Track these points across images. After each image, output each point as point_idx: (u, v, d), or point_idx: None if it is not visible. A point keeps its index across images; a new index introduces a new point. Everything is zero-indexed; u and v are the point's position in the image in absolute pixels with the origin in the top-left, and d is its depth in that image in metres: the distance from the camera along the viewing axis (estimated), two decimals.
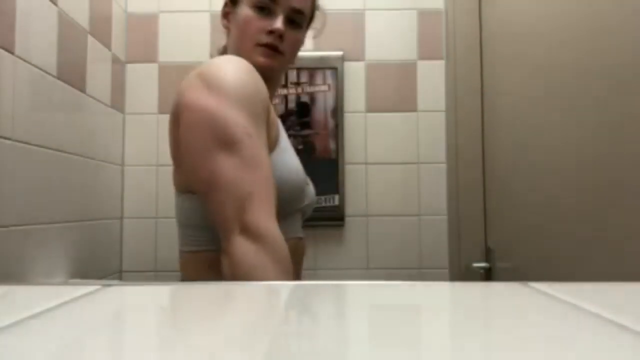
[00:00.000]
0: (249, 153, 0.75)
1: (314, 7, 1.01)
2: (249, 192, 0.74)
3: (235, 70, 0.81)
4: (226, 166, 0.75)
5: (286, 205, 0.85)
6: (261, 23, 0.91)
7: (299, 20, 0.96)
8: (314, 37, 1.14)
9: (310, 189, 1.00)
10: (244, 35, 0.93)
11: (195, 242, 0.89)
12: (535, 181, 1.05)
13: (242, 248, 0.72)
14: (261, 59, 0.91)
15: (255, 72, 0.83)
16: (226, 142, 0.75)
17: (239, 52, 0.92)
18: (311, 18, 1.02)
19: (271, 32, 0.91)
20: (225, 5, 0.99)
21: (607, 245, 0.78)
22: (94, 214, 1.27)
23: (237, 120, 0.76)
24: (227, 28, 0.99)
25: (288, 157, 0.89)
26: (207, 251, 0.85)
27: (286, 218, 0.85)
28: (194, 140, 0.79)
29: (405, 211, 1.47)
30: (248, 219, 0.72)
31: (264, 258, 0.72)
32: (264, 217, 0.73)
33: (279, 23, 0.91)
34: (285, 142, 0.91)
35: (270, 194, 0.76)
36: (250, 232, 0.72)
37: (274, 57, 0.92)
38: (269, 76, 0.90)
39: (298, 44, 0.99)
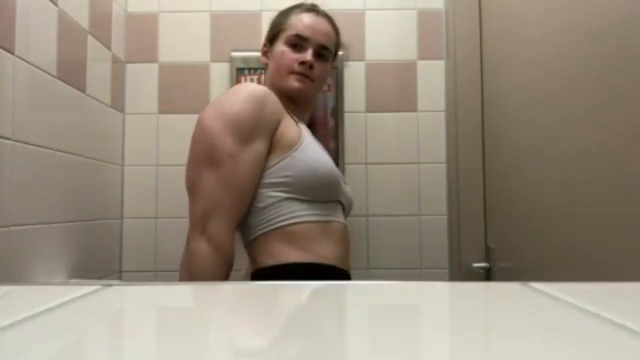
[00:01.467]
0: (226, 171, 0.96)
1: (337, 44, 1.23)
2: (218, 204, 0.96)
3: (239, 97, 1.01)
4: (205, 179, 0.97)
5: (321, 192, 1.04)
6: (294, 56, 1.12)
7: (325, 54, 1.16)
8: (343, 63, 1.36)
9: (348, 189, 1.18)
10: (280, 66, 1.13)
11: (259, 226, 1.02)
12: (536, 181, 1.05)
13: (199, 246, 0.95)
14: (295, 84, 1.11)
15: (264, 98, 1.02)
16: (211, 159, 0.97)
17: (275, 80, 1.14)
18: (335, 53, 1.23)
19: (303, 62, 1.11)
20: (264, 45, 1.21)
21: (607, 245, 0.78)
22: (94, 214, 1.27)
23: (224, 141, 0.97)
24: (266, 64, 1.21)
25: (311, 153, 1.05)
26: (271, 230, 1.01)
27: (328, 204, 1.06)
28: (191, 150, 1.02)
29: (405, 211, 1.47)
30: (210, 226, 0.95)
31: (212, 260, 0.94)
32: (223, 228, 0.95)
33: (309, 55, 1.12)
34: (308, 142, 1.07)
35: (235, 208, 0.97)
36: (208, 237, 0.95)
37: (306, 82, 1.12)
38: (302, 99, 1.14)
39: (325, 73, 1.19)
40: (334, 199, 1.08)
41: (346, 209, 1.16)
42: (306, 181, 1.01)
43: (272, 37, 1.18)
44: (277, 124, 1.03)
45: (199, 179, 0.97)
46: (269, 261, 1.00)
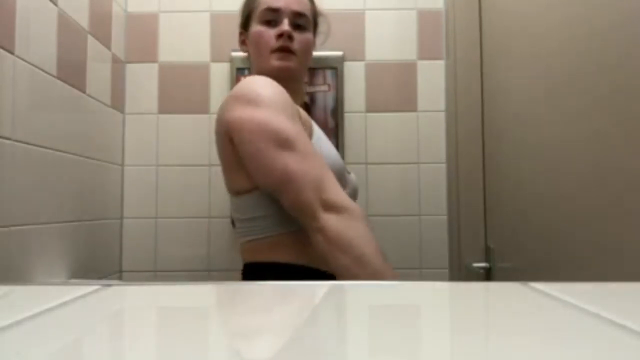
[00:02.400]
0: (303, 147, 0.91)
1: (315, 11, 1.15)
2: (318, 176, 0.89)
3: (265, 86, 0.96)
4: (292, 161, 0.89)
5: None
6: (270, 32, 1.05)
7: (303, 22, 1.09)
8: (322, 43, 1.21)
9: (352, 177, 1.15)
10: (259, 47, 1.07)
11: (251, 232, 1.01)
12: (536, 181, 1.05)
13: (332, 221, 0.87)
14: (277, 63, 1.05)
15: (279, 85, 0.97)
16: (284, 143, 0.90)
17: (259, 65, 1.08)
18: (315, 22, 1.15)
19: (280, 35, 1.04)
20: (240, 34, 1.14)
21: (607, 245, 0.78)
22: (94, 214, 1.27)
23: (285, 124, 0.91)
24: (247, 51, 1.14)
25: (323, 145, 1.02)
26: (269, 237, 0.99)
27: None
28: (257, 148, 0.92)
29: (405, 211, 1.47)
30: (327, 197, 0.88)
31: (352, 222, 0.87)
32: (338, 191, 0.90)
33: (285, 26, 1.05)
34: (319, 134, 1.04)
35: (332, 173, 0.92)
36: (333, 207, 0.88)
37: (289, 58, 1.05)
38: (289, 77, 1.06)
39: (308, 43, 1.11)
40: None
41: (352, 196, 1.11)
42: None
43: (245, 22, 1.12)
44: (298, 111, 1.00)
45: (285, 166, 0.89)
46: (257, 259, 1.00)
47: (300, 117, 0.99)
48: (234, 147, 0.97)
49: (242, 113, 0.94)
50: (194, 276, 1.44)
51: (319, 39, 1.20)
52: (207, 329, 0.32)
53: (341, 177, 1.05)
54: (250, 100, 0.94)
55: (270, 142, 0.90)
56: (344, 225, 0.87)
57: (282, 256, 0.99)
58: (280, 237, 0.99)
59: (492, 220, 1.36)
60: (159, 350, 0.27)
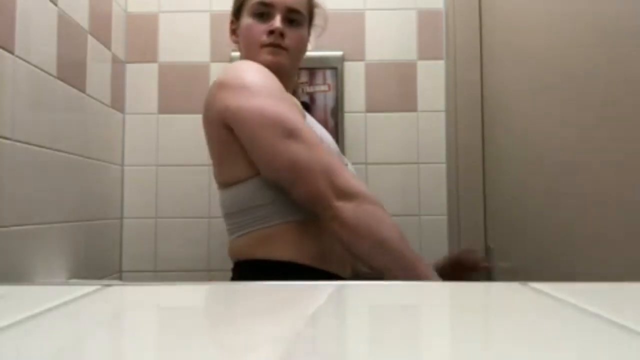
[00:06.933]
0: (307, 136, 0.89)
1: (311, 6, 1.10)
2: (327, 164, 0.88)
3: (256, 72, 0.95)
4: (299, 151, 0.88)
5: None
6: (261, 27, 1.02)
7: (298, 18, 1.04)
8: (319, 36, 1.18)
9: (352, 169, 1.11)
10: (249, 41, 1.04)
11: (245, 225, 0.97)
12: (536, 181, 1.05)
13: (346, 207, 0.86)
14: (268, 57, 1.01)
15: (267, 69, 0.96)
16: (290, 132, 0.89)
17: (249, 57, 1.03)
18: (311, 16, 1.11)
19: (271, 32, 1.00)
20: (231, 22, 1.10)
21: (607, 245, 0.78)
22: (94, 214, 1.27)
23: (287, 112, 0.91)
24: (237, 42, 1.10)
25: (317, 132, 0.98)
26: (256, 230, 0.96)
27: None
28: (263, 138, 0.90)
29: (405, 211, 1.47)
30: (338, 184, 0.87)
31: (367, 207, 0.87)
32: (348, 177, 0.89)
33: (277, 22, 1.01)
34: (310, 121, 1.01)
35: (338, 160, 0.92)
36: (346, 194, 0.87)
37: (279, 54, 1.02)
38: (280, 73, 1.00)
39: (301, 40, 1.07)
40: None
41: None
42: None
43: (237, 11, 1.07)
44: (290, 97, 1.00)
45: (293, 156, 0.88)
46: (252, 255, 0.95)
47: (295, 104, 0.99)
48: (233, 136, 0.94)
49: (239, 101, 0.91)
50: (194, 276, 1.44)
51: (315, 31, 1.16)
52: (207, 329, 0.32)
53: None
54: (244, 87, 0.92)
55: (277, 132, 0.89)
56: (360, 210, 0.86)
57: (281, 252, 0.93)
58: (281, 228, 0.95)
59: (492, 220, 1.36)
60: (159, 350, 0.27)
